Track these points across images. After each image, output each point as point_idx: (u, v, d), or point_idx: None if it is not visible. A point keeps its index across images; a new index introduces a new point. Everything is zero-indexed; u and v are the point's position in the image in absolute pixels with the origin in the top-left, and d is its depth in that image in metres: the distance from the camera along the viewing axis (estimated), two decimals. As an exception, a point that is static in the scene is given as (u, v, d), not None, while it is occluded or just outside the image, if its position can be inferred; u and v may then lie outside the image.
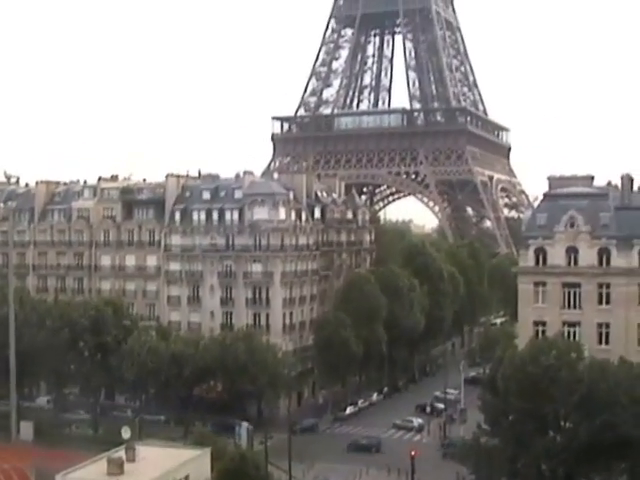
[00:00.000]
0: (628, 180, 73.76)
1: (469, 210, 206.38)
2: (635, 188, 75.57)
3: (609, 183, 78.43)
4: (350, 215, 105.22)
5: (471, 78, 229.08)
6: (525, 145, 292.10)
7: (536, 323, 69.02)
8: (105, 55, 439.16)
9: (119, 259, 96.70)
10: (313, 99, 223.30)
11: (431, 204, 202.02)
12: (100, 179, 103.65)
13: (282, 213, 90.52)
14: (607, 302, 67.31)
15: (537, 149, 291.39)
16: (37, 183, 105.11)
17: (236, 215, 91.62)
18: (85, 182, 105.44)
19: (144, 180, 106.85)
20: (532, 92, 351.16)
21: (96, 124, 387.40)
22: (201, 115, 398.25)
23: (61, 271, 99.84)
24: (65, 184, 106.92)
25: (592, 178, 78.57)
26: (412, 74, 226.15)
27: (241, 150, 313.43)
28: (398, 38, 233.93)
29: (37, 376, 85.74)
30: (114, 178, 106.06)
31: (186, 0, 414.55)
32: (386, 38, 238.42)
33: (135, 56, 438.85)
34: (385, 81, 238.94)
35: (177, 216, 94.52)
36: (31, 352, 76.92)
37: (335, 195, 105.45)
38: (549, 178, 78.28)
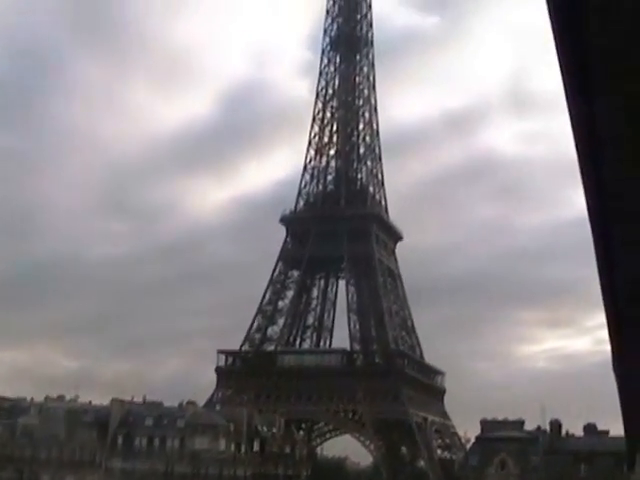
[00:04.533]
0: (556, 425, 79.08)
1: (403, 449, 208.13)
2: (563, 432, 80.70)
3: (539, 428, 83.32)
4: (288, 449, 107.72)
5: (409, 323, 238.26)
6: (459, 388, 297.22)
7: None
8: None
9: (59, 478, 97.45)
10: (258, 335, 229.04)
11: (367, 442, 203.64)
12: (47, 398, 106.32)
13: (222, 444, 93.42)
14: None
15: (471, 393, 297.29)
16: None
17: (177, 443, 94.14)
18: (32, 399, 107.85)
19: (90, 402, 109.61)
20: (466, 337, 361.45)
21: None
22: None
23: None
24: (12, 400, 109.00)
25: (522, 423, 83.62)
26: (353, 317, 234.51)
27: (185, 379, 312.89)
28: (342, 282, 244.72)
29: None
30: (60, 398, 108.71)
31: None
32: (330, 281, 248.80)
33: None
34: (327, 322, 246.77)
35: (119, 440, 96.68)
36: None
37: (275, 429, 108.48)
38: (482, 422, 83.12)
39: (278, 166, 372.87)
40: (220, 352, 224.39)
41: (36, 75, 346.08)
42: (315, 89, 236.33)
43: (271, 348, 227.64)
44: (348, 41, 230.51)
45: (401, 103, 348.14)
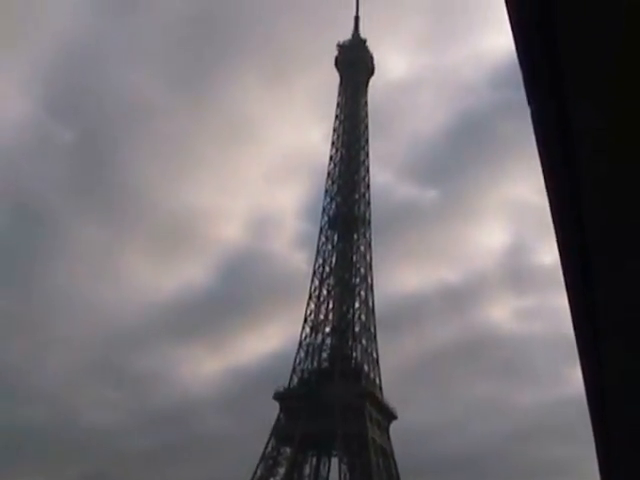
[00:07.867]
0: None
1: None
2: None
3: None
4: None
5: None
6: None
7: None
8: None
9: None
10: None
11: None
12: None
13: None
14: None
15: None
16: None
17: None
18: None
19: None
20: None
21: None
22: None
23: None
24: None
25: None
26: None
27: None
28: (334, 460, 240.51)
29: None
30: None
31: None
32: (323, 459, 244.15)
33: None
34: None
35: None
36: None
37: None
38: None
39: (273, 338, 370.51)
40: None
41: (33, 237, 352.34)
42: (313, 266, 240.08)
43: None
44: (346, 220, 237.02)
45: (398, 278, 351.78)
